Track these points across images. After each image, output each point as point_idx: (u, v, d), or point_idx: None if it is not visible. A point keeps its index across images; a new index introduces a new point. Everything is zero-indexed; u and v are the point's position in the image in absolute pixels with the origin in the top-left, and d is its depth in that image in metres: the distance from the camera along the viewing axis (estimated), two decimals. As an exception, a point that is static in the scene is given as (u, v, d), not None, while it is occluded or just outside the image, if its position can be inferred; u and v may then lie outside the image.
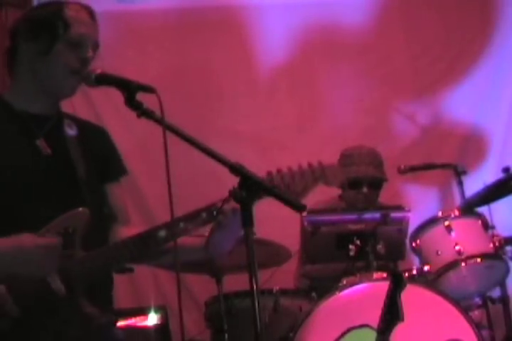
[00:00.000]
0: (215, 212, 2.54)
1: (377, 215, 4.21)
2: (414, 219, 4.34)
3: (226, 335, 4.10)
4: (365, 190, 4.65)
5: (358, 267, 4.14)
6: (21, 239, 2.37)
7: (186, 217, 2.54)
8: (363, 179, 4.65)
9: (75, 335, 2.42)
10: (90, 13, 2.60)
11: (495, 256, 4.22)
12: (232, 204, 2.47)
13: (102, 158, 2.71)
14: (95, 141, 2.73)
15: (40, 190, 2.50)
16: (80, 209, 2.47)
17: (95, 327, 2.46)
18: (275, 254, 4.24)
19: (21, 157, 2.51)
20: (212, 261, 4.07)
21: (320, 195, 4.62)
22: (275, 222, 4.66)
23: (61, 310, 2.39)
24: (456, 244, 4.17)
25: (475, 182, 4.73)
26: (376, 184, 4.71)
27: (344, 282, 4.01)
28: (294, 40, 5.89)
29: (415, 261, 4.59)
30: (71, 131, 2.64)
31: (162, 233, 2.50)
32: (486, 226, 4.33)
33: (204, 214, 2.54)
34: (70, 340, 2.42)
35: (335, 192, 4.82)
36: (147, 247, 2.50)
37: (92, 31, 2.58)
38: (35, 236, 2.38)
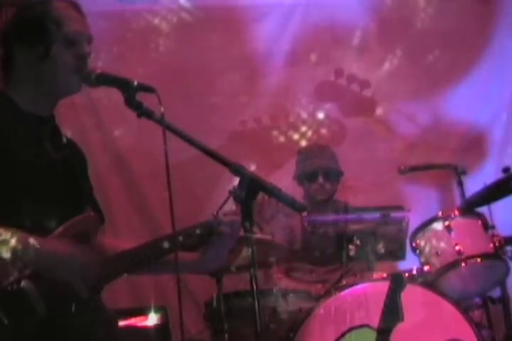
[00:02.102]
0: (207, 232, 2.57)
1: (377, 215, 4.22)
2: (414, 219, 4.34)
3: (226, 335, 4.10)
4: (320, 180, 4.75)
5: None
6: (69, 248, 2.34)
7: (184, 231, 2.56)
8: (317, 170, 4.77)
9: (100, 336, 2.42)
10: (77, 7, 2.54)
11: (495, 256, 4.22)
12: (230, 217, 2.53)
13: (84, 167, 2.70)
14: (78, 149, 2.71)
15: (51, 192, 2.47)
16: (91, 213, 2.48)
17: (115, 327, 2.47)
18: (275, 254, 4.24)
19: (33, 159, 2.46)
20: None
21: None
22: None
23: (85, 311, 2.36)
24: (456, 244, 4.16)
25: (475, 182, 4.73)
26: (331, 175, 4.81)
27: (344, 282, 4.01)
28: (294, 40, 5.89)
29: (415, 261, 4.59)
30: (63, 135, 2.62)
31: (166, 244, 2.51)
32: (486, 226, 4.32)
33: (198, 231, 2.57)
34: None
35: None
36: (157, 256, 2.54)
37: (83, 26, 2.53)
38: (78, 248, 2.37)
